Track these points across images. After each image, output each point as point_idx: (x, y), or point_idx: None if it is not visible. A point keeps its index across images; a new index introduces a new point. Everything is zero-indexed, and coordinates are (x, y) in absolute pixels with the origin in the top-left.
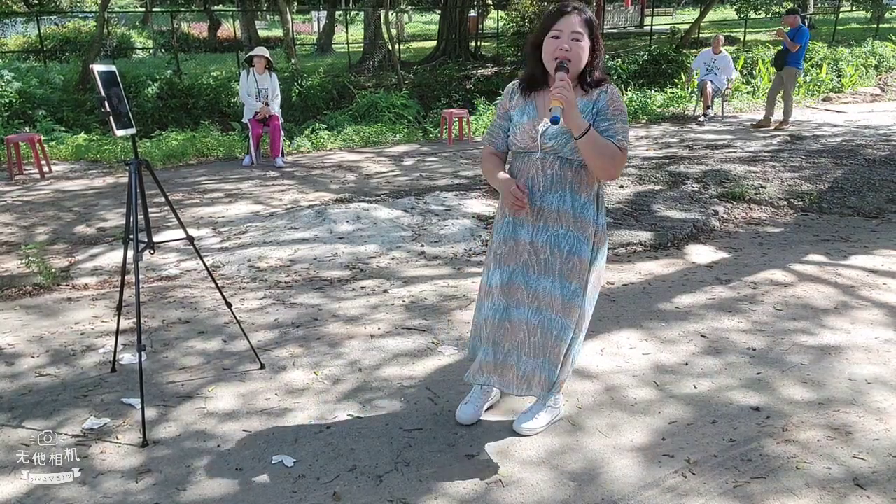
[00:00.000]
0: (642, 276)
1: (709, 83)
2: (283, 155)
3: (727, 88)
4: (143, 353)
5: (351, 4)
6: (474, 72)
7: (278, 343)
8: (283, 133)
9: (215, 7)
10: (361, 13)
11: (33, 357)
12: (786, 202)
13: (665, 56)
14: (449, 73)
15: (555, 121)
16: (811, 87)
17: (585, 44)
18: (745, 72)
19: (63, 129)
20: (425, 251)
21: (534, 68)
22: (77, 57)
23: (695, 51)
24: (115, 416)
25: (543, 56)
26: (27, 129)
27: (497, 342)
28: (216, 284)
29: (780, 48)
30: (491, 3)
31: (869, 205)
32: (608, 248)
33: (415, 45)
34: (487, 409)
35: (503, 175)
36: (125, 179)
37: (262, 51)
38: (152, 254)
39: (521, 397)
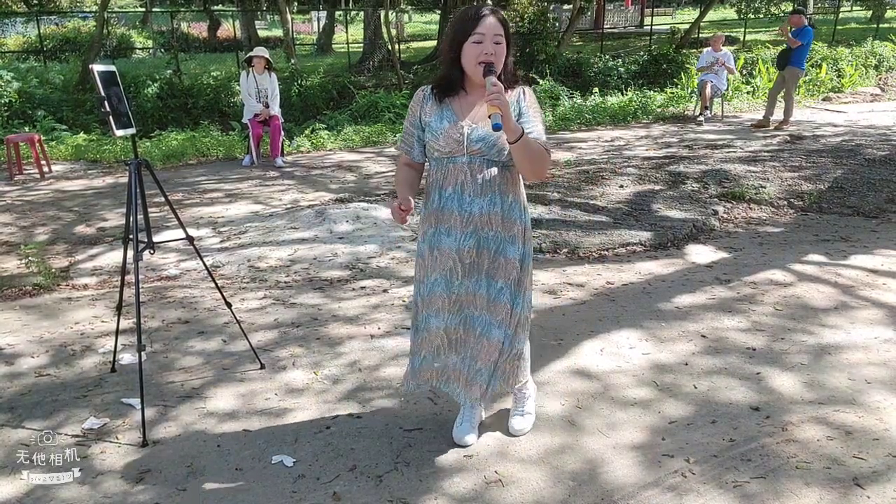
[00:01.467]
0: (642, 276)
1: (709, 84)
2: (282, 155)
3: (729, 77)
4: (142, 353)
5: (351, 4)
6: None
7: (278, 343)
8: (283, 133)
9: (215, 7)
10: (361, 13)
11: (33, 357)
12: (786, 202)
13: (665, 56)
14: None
15: (497, 128)
16: (811, 86)
17: (503, 44)
18: (744, 72)
19: (63, 128)
20: None
21: (451, 73)
22: (77, 57)
23: (695, 51)
24: (115, 416)
25: (465, 61)
26: (27, 129)
27: (436, 351)
28: (216, 284)
29: (782, 48)
30: (490, 3)
31: (869, 204)
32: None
33: (415, 45)
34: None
35: (404, 195)
36: (125, 179)
37: (261, 51)
38: (152, 254)
39: (471, 403)
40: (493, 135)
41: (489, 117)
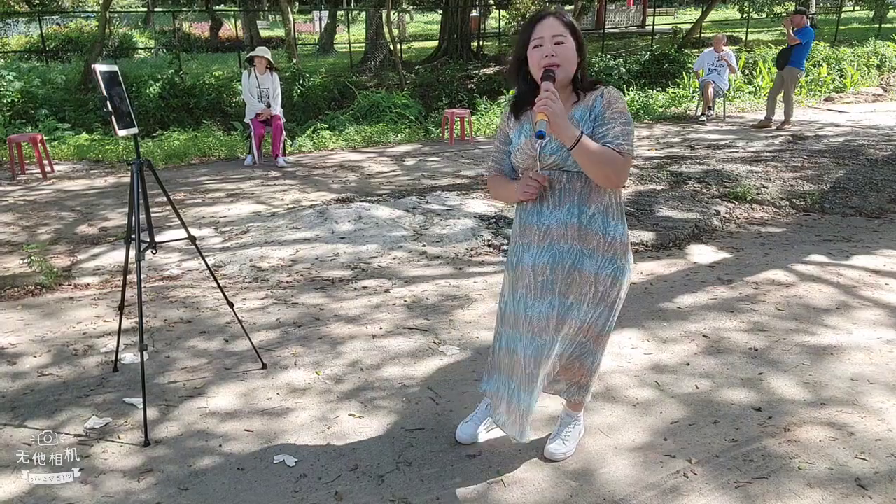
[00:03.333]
0: (644, 276)
1: (711, 84)
2: (284, 155)
3: (730, 77)
4: (144, 352)
5: (352, 4)
6: (476, 71)
7: (280, 343)
8: (284, 133)
9: (217, 7)
10: (363, 13)
11: (35, 357)
12: (787, 202)
13: (667, 56)
14: (450, 72)
15: (540, 135)
16: (813, 86)
17: (571, 44)
18: (746, 71)
19: (65, 128)
20: (427, 251)
21: (522, 86)
22: (79, 57)
23: (696, 51)
24: (117, 416)
25: (531, 69)
26: (29, 128)
27: (508, 375)
28: (218, 284)
29: (783, 47)
30: (492, 2)
31: (871, 205)
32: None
33: (416, 44)
34: (490, 431)
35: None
36: (127, 179)
37: (262, 51)
38: (154, 253)
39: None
40: (565, 146)
41: (535, 124)
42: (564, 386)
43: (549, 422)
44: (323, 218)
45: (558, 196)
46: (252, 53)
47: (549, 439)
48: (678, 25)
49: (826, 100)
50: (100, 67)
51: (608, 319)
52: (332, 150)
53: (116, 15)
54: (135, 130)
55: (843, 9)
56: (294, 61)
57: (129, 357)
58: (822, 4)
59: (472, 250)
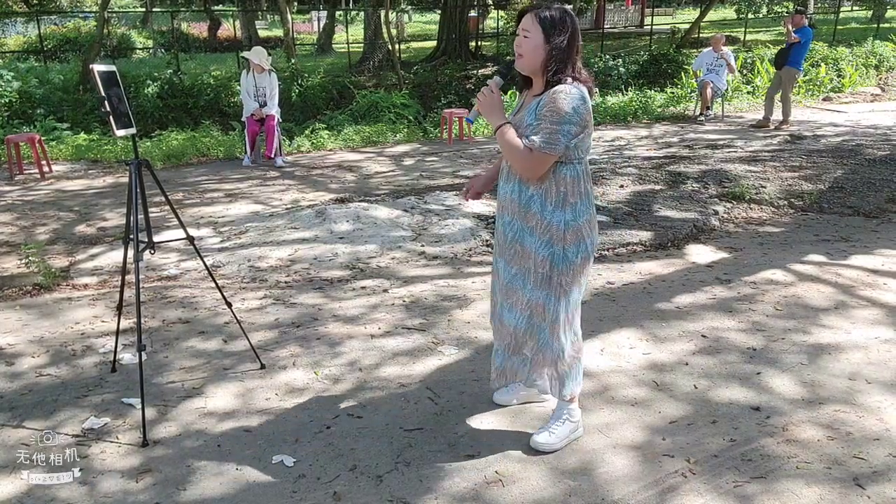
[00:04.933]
0: (642, 276)
1: (709, 84)
2: (282, 155)
3: (728, 77)
4: (143, 352)
5: (351, 4)
6: (474, 71)
7: (278, 343)
8: (278, 132)
9: (215, 7)
10: (361, 13)
11: (33, 357)
12: (786, 202)
13: (665, 56)
14: (449, 72)
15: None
16: (811, 86)
17: (534, 39)
18: (744, 71)
19: (63, 128)
20: (425, 251)
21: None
22: (77, 57)
23: (695, 51)
24: (116, 416)
25: None
26: (27, 128)
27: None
28: (216, 284)
29: (781, 47)
30: (491, 2)
31: (869, 204)
32: (586, 253)
33: (415, 44)
34: (525, 403)
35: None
36: (125, 179)
37: (256, 53)
38: (152, 254)
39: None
40: (519, 128)
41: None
42: (545, 380)
43: (547, 420)
44: (321, 218)
45: (507, 171)
46: (245, 53)
47: (537, 429)
48: (677, 25)
49: (824, 100)
50: (98, 67)
51: (556, 307)
52: (330, 150)
53: (114, 15)
54: (133, 130)
55: (842, 9)
56: (292, 61)
57: (128, 357)
58: (820, 4)
59: (470, 250)
